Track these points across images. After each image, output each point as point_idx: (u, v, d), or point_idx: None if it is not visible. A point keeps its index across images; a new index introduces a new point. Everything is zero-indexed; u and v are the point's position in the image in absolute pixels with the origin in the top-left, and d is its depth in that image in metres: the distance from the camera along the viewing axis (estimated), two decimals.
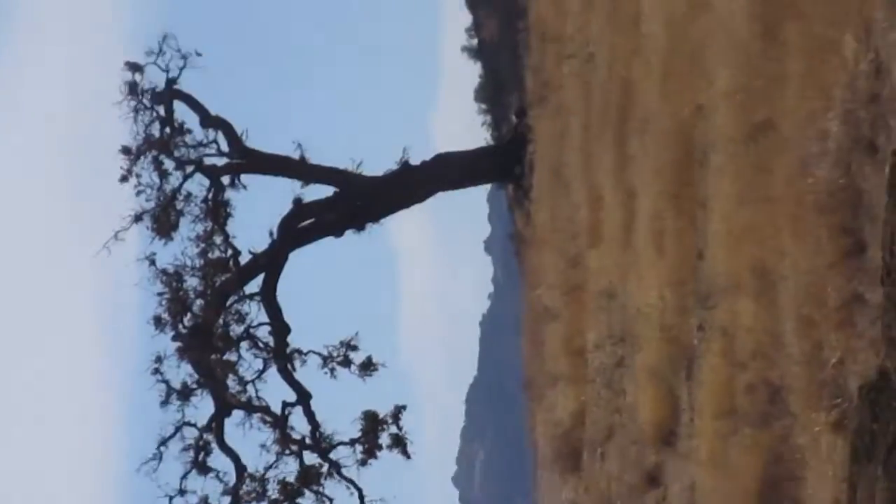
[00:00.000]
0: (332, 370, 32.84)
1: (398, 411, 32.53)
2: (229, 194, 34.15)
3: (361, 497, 32.15)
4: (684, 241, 18.66)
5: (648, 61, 21.95)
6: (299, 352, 33.06)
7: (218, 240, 33.44)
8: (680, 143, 19.20)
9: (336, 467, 32.24)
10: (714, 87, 17.85)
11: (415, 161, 35.85)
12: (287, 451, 32.21)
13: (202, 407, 32.25)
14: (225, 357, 32.43)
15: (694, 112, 18.89)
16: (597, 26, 27.13)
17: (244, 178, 34.61)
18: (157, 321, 32.22)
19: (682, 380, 18.49)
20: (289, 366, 32.91)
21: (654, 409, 19.45)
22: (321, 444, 32.42)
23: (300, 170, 34.91)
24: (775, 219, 14.90)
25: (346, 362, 32.76)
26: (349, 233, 35.25)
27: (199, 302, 32.49)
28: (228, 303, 32.94)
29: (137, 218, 33.09)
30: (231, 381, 32.30)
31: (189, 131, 34.25)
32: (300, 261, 34.92)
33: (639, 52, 22.87)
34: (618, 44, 24.64)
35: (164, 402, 31.99)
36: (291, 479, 32.00)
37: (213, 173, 34.12)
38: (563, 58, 30.82)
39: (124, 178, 33.54)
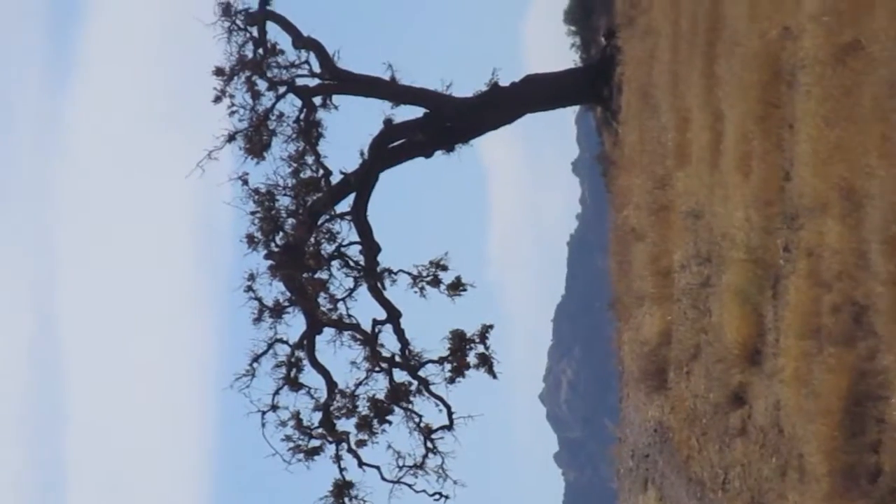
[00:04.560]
0: (422, 289, 33.15)
1: (485, 331, 32.71)
2: (321, 114, 34.53)
3: (450, 414, 32.51)
4: (771, 162, 18.61)
5: None
6: (389, 271, 33.40)
7: (309, 160, 33.78)
8: (767, 65, 19.13)
9: (425, 384, 32.60)
10: (802, 9, 17.81)
11: (504, 82, 35.99)
12: (377, 369, 32.60)
13: (294, 324, 32.75)
14: (316, 275, 32.83)
15: (782, 33, 18.83)
16: None
17: (335, 98, 34.94)
18: (250, 239, 32.67)
19: (768, 299, 18.48)
20: (379, 284, 33.24)
21: (740, 328, 19.45)
22: (410, 361, 32.76)
23: (390, 91, 35.14)
24: (862, 139, 14.87)
25: (436, 282, 33.06)
26: (438, 153, 35.51)
27: (290, 221, 32.84)
28: (320, 222, 33.28)
29: (230, 138, 33.53)
30: (322, 299, 32.69)
31: (281, 52, 34.64)
32: (391, 180, 35.17)
33: None
34: None
35: (257, 320, 32.50)
36: (381, 395, 32.47)
37: (304, 94, 34.42)
38: None
39: (218, 99, 34.02)
